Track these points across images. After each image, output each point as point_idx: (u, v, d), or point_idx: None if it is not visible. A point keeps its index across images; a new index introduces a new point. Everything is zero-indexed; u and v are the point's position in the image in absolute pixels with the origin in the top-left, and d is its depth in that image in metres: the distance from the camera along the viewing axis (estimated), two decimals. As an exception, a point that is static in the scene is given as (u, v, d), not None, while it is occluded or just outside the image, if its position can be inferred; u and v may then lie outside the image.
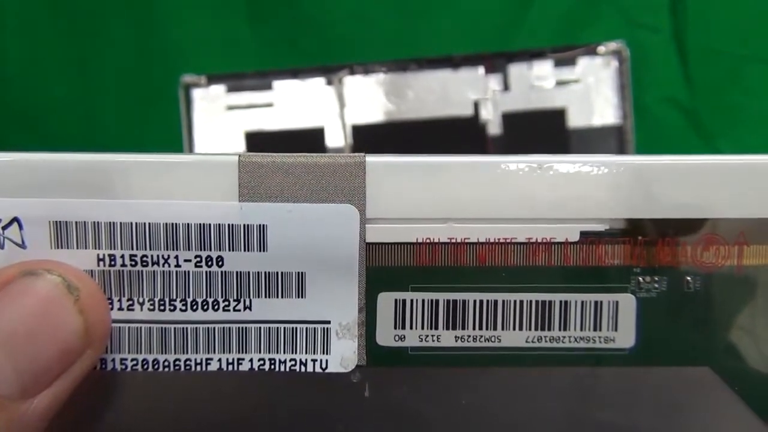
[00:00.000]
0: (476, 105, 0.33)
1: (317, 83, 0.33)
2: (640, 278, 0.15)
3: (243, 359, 0.16)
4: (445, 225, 0.15)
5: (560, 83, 0.32)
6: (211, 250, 0.15)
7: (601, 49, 0.32)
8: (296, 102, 0.33)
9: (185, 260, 0.15)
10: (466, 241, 0.15)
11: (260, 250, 0.15)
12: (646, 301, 0.16)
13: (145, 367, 0.16)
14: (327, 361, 0.16)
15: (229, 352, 0.16)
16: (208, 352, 0.16)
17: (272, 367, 0.16)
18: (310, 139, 0.33)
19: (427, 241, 0.15)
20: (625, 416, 0.16)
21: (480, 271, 0.16)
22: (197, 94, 0.33)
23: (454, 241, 0.15)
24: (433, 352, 0.16)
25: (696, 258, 0.15)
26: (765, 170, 0.15)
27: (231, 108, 0.33)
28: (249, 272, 0.15)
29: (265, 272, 0.15)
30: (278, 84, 0.33)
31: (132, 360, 0.16)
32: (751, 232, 0.15)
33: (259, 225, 0.15)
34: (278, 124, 0.33)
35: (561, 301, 0.16)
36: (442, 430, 0.16)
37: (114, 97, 0.36)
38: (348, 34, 0.35)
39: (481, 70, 0.32)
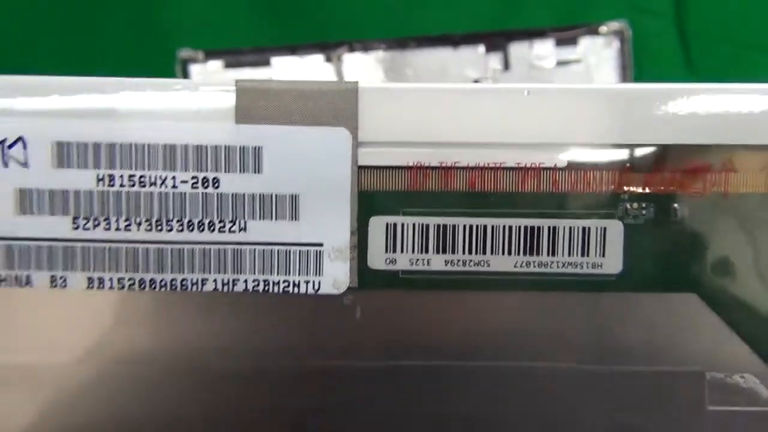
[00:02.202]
0: (476, 84, 0.33)
1: (316, 60, 0.33)
2: (628, 205, 0.16)
3: (238, 280, 0.17)
4: (435, 149, 0.16)
5: (561, 63, 0.32)
6: (207, 171, 0.16)
7: (603, 29, 0.32)
8: (294, 79, 0.33)
9: (182, 181, 0.16)
10: (456, 165, 0.16)
11: (255, 172, 0.16)
12: (634, 228, 0.16)
13: (143, 286, 0.17)
14: (320, 282, 0.17)
15: (225, 273, 0.17)
16: (204, 272, 0.17)
17: (266, 288, 0.17)
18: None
19: (418, 165, 0.16)
20: (613, 341, 0.16)
21: (470, 195, 0.16)
22: (194, 69, 0.33)
23: (444, 165, 0.16)
24: (424, 275, 0.17)
25: (683, 185, 0.16)
26: (752, 97, 0.16)
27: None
28: (244, 194, 0.16)
29: (260, 194, 0.16)
30: (276, 60, 0.33)
31: (129, 279, 0.17)
32: (738, 159, 0.16)
33: (255, 147, 0.16)
34: None
35: (549, 227, 0.16)
36: (433, 352, 0.17)
37: (111, 71, 0.37)
38: (347, 11, 0.35)
39: (481, 48, 0.33)
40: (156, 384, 0.17)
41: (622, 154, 0.16)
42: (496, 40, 0.33)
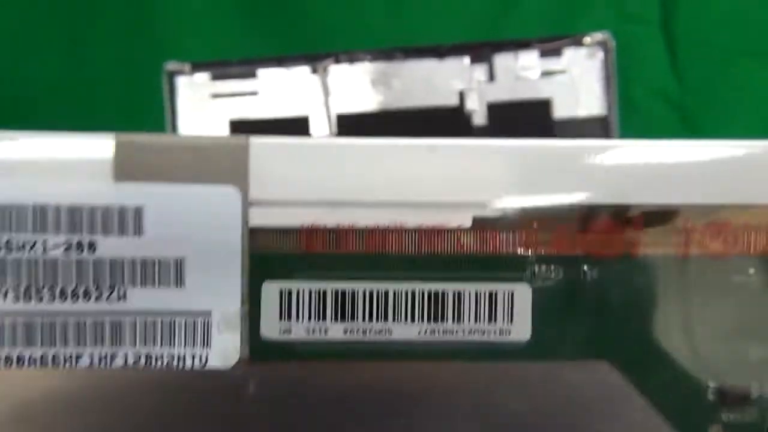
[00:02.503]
0: (462, 95, 0.33)
1: (302, 72, 0.33)
2: (536, 267, 0.15)
3: (116, 354, 0.15)
4: (331, 209, 0.15)
5: (546, 74, 0.33)
6: (82, 233, 0.15)
7: (587, 39, 0.32)
8: (281, 90, 0.33)
9: (54, 245, 0.15)
10: (354, 226, 0.15)
11: (136, 234, 0.15)
12: (542, 291, 0.15)
13: (9, 363, 0.15)
14: (207, 355, 0.15)
15: (102, 346, 0.15)
16: (78, 346, 0.15)
17: (148, 362, 0.15)
18: (295, 128, 0.33)
19: (313, 225, 0.15)
20: (521, 412, 0.16)
21: (369, 258, 0.15)
22: (181, 81, 0.33)
23: (341, 226, 0.15)
24: (321, 345, 0.15)
25: (591, 246, 0.15)
26: (661, 154, 0.15)
27: (216, 96, 0.33)
28: (124, 259, 0.15)
29: (141, 258, 0.15)
30: (263, 72, 0.33)
31: (-6, 355, 0.15)
32: (649, 218, 0.15)
33: (135, 206, 0.15)
34: (263, 113, 0.33)
35: (454, 292, 0.15)
36: (331, 428, 0.15)
37: (98, 84, 0.36)
38: (333, 23, 0.36)
39: (466, 59, 0.33)
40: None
41: (529, 214, 0.15)
42: (482, 51, 0.33)
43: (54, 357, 0.15)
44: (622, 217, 0.15)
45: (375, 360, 0.16)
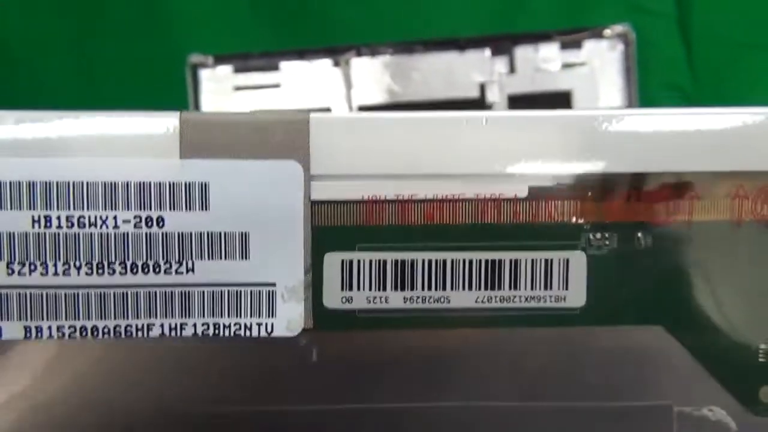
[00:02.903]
0: (482, 87, 0.33)
1: (324, 64, 0.34)
2: (590, 235, 0.16)
3: (186, 324, 0.16)
4: (391, 181, 0.16)
5: (566, 66, 0.33)
6: (151, 209, 0.15)
7: (607, 32, 0.33)
8: (303, 83, 0.34)
9: (124, 221, 0.15)
10: (413, 198, 0.16)
11: (202, 209, 0.15)
12: (597, 259, 0.16)
13: (84, 333, 0.16)
14: (273, 324, 0.16)
15: (172, 317, 0.16)
16: (150, 317, 0.16)
17: (216, 331, 0.16)
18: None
19: (374, 198, 0.16)
20: (578, 376, 0.16)
21: (428, 229, 0.16)
22: (204, 74, 0.34)
23: (401, 198, 0.16)
24: (382, 314, 0.16)
25: (646, 213, 0.16)
26: (716, 122, 0.16)
27: (238, 88, 0.34)
28: (191, 233, 0.16)
29: (208, 233, 0.16)
30: (285, 65, 0.34)
31: (69, 327, 0.16)
32: (702, 185, 0.16)
33: (201, 182, 0.15)
34: (285, 105, 0.34)
35: (511, 260, 0.16)
36: (392, 394, 0.16)
37: (121, 76, 0.36)
38: (354, 16, 0.36)
39: (487, 52, 0.33)
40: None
41: (584, 183, 0.16)
42: (502, 43, 0.33)
43: (126, 328, 0.16)
44: (675, 184, 0.16)
45: (434, 328, 0.16)
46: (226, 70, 0.34)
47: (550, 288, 0.16)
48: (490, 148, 0.16)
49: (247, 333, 0.16)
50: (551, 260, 0.16)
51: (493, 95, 0.33)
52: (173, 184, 0.15)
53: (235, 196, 0.15)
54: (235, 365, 0.16)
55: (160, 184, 0.15)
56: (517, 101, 0.33)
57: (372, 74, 0.34)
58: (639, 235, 0.16)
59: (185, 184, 0.15)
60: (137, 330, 0.16)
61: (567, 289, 0.16)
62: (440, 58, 0.33)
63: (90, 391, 0.16)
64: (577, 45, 0.33)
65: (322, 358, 0.16)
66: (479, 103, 0.34)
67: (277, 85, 0.34)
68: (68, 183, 0.15)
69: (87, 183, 0.15)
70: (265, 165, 0.15)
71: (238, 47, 0.35)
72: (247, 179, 0.15)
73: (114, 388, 0.16)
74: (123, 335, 0.16)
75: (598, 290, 0.16)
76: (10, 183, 0.15)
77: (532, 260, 0.16)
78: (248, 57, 0.34)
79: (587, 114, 0.16)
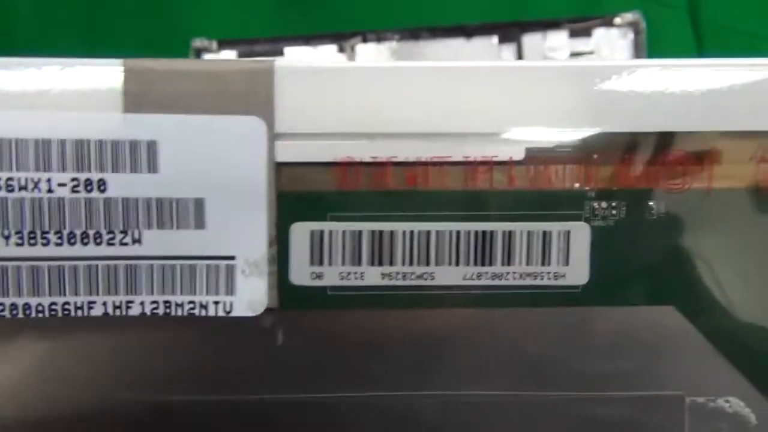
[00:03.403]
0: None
1: (329, 50, 0.33)
2: (595, 204, 0.14)
3: (132, 302, 0.14)
4: (368, 141, 0.14)
5: (574, 54, 0.33)
6: (90, 171, 0.13)
7: (618, 20, 0.32)
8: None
9: (60, 184, 0.13)
10: (393, 159, 0.14)
11: (150, 171, 0.14)
12: (602, 231, 0.14)
13: (14, 312, 0.14)
14: (232, 303, 0.14)
15: (116, 294, 0.14)
16: (90, 294, 0.14)
17: (167, 310, 0.14)
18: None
19: (348, 159, 0.14)
20: (580, 363, 0.14)
21: (409, 195, 0.14)
22: (208, 58, 0.34)
23: (378, 159, 0.14)
24: (356, 292, 0.14)
25: (659, 179, 0.14)
26: (740, 75, 0.14)
27: None
28: (138, 198, 0.14)
29: (157, 198, 0.14)
30: (289, 50, 0.33)
31: (-1, 305, 0.14)
32: (723, 148, 0.14)
33: (148, 141, 0.13)
34: None
35: (504, 232, 0.14)
36: (365, 382, 0.14)
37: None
38: (360, 2, 0.35)
39: (494, 39, 0.33)
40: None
41: (589, 145, 0.14)
42: (510, 31, 0.33)
43: (64, 305, 0.14)
44: (693, 146, 0.14)
45: (415, 308, 0.14)
46: (230, 54, 0.34)
47: (549, 263, 0.14)
48: (482, 104, 0.14)
49: (203, 312, 0.14)
50: (550, 232, 0.14)
51: (499, 83, 0.33)
52: (116, 142, 0.13)
53: (187, 156, 0.13)
54: (190, 349, 0.14)
55: (101, 142, 0.13)
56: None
57: (378, 60, 0.33)
58: (650, 203, 0.14)
59: (130, 143, 0.13)
60: (76, 308, 0.14)
61: (567, 264, 0.14)
62: (447, 45, 0.33)
63: (30, 387, 0.14)
64: (586, 33, 0.33)
65: (289, 342, 0.14)
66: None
67: None
68: (-7, 140, 0.13)
69: (16, 141, 0.13)
70: (222, 121, 0.13)
71: (242, 32, 0.34)
72: (201, 137, 0.13)
73: (53, 380, 0.14)
74: (59, 313, 0.14)
75: (602, 266, 0.14)
76: (-74, 139, 0.13)
77: (528, 232, 0.14)
78: (253, 42, 0.34)
79: (593, 65, 0.14)
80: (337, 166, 0.14)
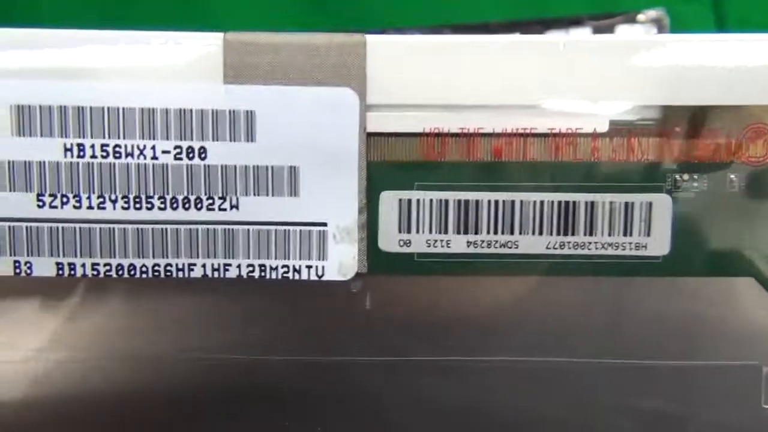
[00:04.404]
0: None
1: None
2: (677, 176, 0.14)
3: (230, 265, 0.15)
4: (456, 113, 0.14)
5: None
6: (192, 139, 0.14)
7: (641, 17, 0.32)
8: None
9: (163, 151, 0.14)
10: (480, 131, 0.14)
11: (248, 140, 0.14)
12: (684, 202, 0.14)
13: (120, 272, 0.15)
14: (324, 267, 0.15)
15: (215, 257, 0.15)
16: (191, 257, 0.15)
17: (262, 273, 0.15)
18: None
19: (436, 131, 0.14)
20: (660, 331, 0.15)
21: (495, 166, 0.14)
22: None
23: (466, 131, 0.14)
24: (442, 258, 0.15)
25: (741, 152, 0.14)
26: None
27: None
28: (235, 166, 0.14)
29: (254, 166, 0.14)
30: None
31: (105, 265, 0.15)
32: (805, 123, 0.14)
33: (247, 111, 0.14)
34: None
35: (587, 202, 0.14)
36: (451, 344, 0.15)
37: None
38: (382, 0, 0.35)
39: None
40: (142, 377, 0.15)
41: (673, 117, 0.14)
42: (532, 28, 0.33)
43: (166, 267, 0.15)
44: (776, 120, 0.14)
45: (499, 275, 0.15)
46: None
47: (630, 234, 0.14)
48: (567, 76, 0.14)
49: (296, 276, 0.15)
50: (632, 203, 0.14)
51: (522, 80, 0.33)
52: (216, 111, 0.14)
53: (283, 126, 0.14)
54: (282, 310, 0.15)
55: (202, 111, 0.14)
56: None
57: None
58: (731, 176, 0.14)
59: (229, 113, 0.14)
60: (177, 270, 0.15)
61: (649, 235, 0.14)
62: None
63: (119, 339, 0.15)
64: (609, 30, 0.32)
65: (376, 305, 0.15)
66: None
67: None
68: (102, 108, 0.14)
69: (123, 109, 0.14)
70: (316, 92, 0.14)
71: (268, 29, 0.35)
72: (297, 108, 0.14)
73: (146, 337, 0.15)
74: (162, 275, 0.15)
75: (683, 237, 0.14)
76: (40, 107, 0.14)
77: (611, 203, 0.14)
78: None
79: (676, 38, 0.14)
80: (425, 136, 0.14)
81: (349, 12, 0.35)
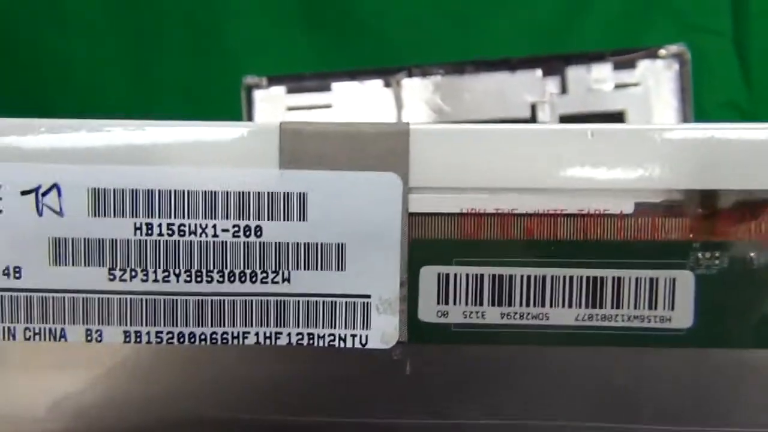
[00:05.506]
0: (533, 107, 0.33)
1: (375, 85, 0.34)
2: (699, 254, 0.15)
3: (281, 333, 0.16)
4: (492, 195, 0.15)
5: (619, 86, 0.33)
6: (249, 219, 0.16)
7: (663, 52, 0.32)
8: (355, 103, 0.34)
9: (223, 229, 0.16)
10: (514, 212, 0.15)
11: (300, 220, 0.16)
12: (706, 279, 0.15)
13: (181, 340, 0.16)
14: (367, 336, 0.16)
15: (267, 326, 0.16)
16: (245, 326, 0.16)
17: (311, 341, 0.16)
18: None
19: (472, 211, 0.15)
20: (685, 401, 0.16)
21: (528, 244, 0.16)
22: (258, 95, 0.35)
23: (500, 211, 0.15)
24: (478, 329, 0.16)
25: (760, 232, 0.15)
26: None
27: (291, 108, 0.34)
28: (288, 243, 0.16)
29: (305, 243, 0.16)
30: (337, 86, 0.34)
31: (167, 333, 0.16)
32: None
33: (300, 193, 0.15)
34: None
35: (614, 278, 0.15)
36: (485, 410, 0.16)
37: (177, 98, 0.38)
38: (406, 38, 0.37)
39: (538, 72, 0.33)
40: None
41: (694, 199, 0.15)
42: (554, 63, 0.33)
43: (222, 335, 0.16)
44: (793, 203, 0.15)
45: (531, 345, 0.16)
46: (279, 90, 0.34)
47: (655, 308, 0.15)
48: (595, 162, 0.15)
49: (342, 344, 0.16)
50: (656, 279, 0.15)
51: (544, 115, 0.33)
52: (272, 194, 0.16)
53: (332, 207, 0.16)
54: (329, 376, 0.16)
55: (259, 194, 0.16)
56: (569, 121, 0.33)
57: (423, 95, 0.34)
58: (752, 254, 0.15)
59: (284, 195, 0.16)
60: (233, 338, 0.16)
61: (673, 309, 0.15)
62: (491, 79, 0.33)
63: (168, 396, 0.16)
64: (631, 65, 0.33)
65: (416, 372, 0.16)
66: (530, 123, 0.33)
67: (329, 106, 0.34)
68: (170, 191, 0.16)
69: (188, 192, 0.16)
70: (363, 176, 0.15)
71: (291, 69, 0.36)
72: (345, 190, 0.15)
73: (204, 399, 0.16)
74: (219, 342, 0.16)
75: (706, 311, 0.15)
76: (114, 190, 0.16)
77: (637, 279, 0.15)
78: (301, 78, 0.34)
79: (698, 127, 0.15)
80: (463, 216, 0.16)
81: (371, 51, 0.37)
